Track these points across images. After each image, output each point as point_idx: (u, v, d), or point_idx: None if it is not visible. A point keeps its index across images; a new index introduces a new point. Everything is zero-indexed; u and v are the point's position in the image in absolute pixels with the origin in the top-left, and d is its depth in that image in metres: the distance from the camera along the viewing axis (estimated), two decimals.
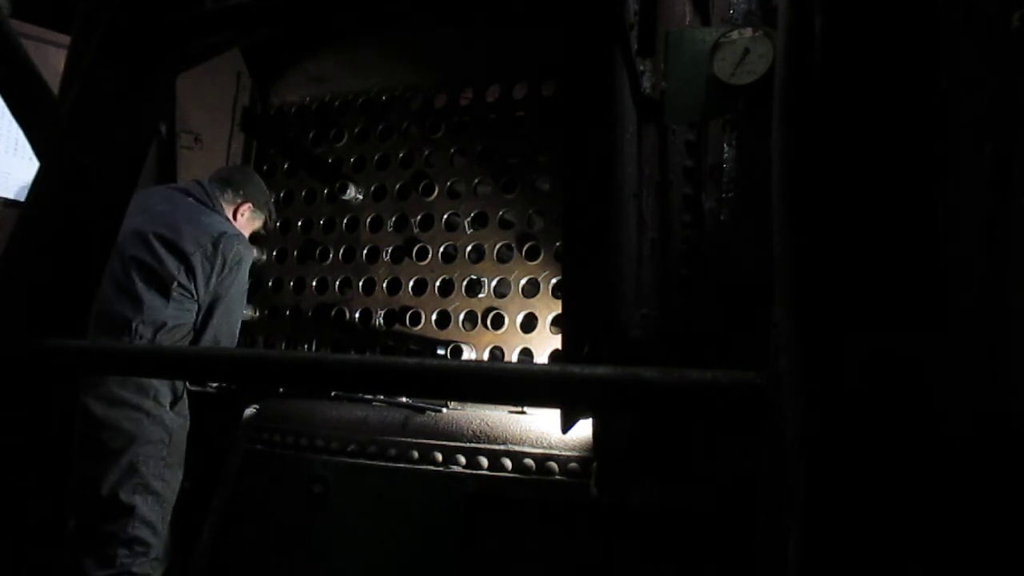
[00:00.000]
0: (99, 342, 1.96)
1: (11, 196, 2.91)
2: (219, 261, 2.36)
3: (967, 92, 0.95)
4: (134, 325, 2.24)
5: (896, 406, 0.58)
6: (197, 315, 2.37)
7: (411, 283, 2.62)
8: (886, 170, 0.61)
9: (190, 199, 2.51)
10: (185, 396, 2.36)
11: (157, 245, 2.31)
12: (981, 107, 0.94)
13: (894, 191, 0.61)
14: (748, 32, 1.58)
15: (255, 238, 2.85)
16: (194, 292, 2.34)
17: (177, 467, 2.30)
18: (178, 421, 2.31)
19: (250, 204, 2.67)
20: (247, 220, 2.68)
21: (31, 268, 0.99)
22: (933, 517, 0.56)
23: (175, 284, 2.29)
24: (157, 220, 2.36)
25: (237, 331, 2.51)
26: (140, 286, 2.27)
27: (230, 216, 2.61)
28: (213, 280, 2.36)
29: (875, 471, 0.56)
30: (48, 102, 1.20)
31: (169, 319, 2.29)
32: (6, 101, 1.22)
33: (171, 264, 2.30)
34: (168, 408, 2.27)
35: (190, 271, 2.32)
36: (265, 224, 2.79)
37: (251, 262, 2.52)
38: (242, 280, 2.47)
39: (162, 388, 2.26)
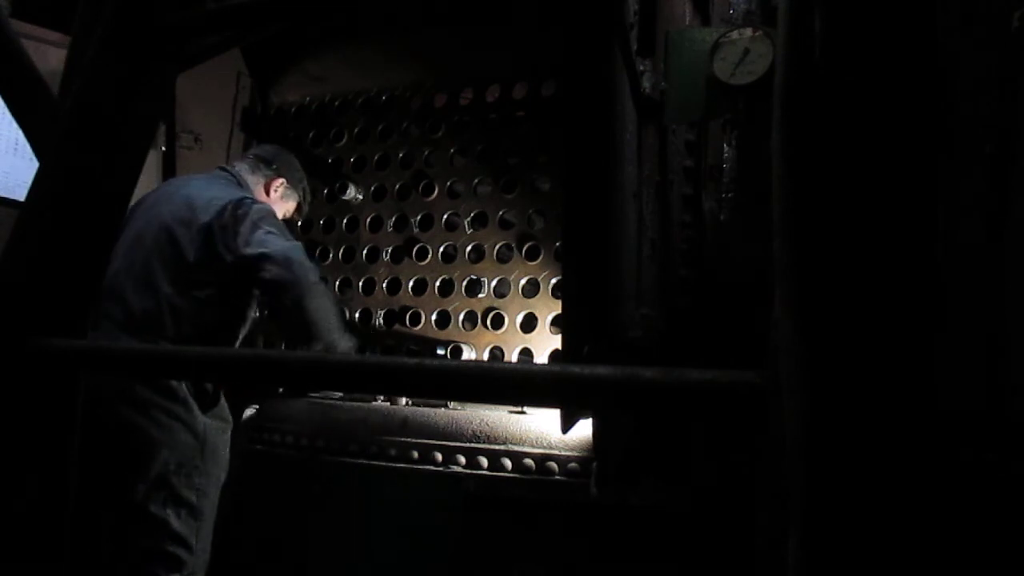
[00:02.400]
0: (99, 342, 1.95)
1: (11, 196, 2.92)
2: (233, 220, 2.16)
3: (967, 92, 0.95)
4: (165, 320, 2.13)
5: (896, 406, 0.57)
6: (236, 280, 2.18)
7: (411, 283, 2.62)
8: (886, 170, 0.61)
9: (214, 178, 2.40)
10: (223, 399, 2.24)
11: (176, 229, 2.18)
12: (981, 107, 0.94)
13: (894, 191, 0.61)
14: (748, 32, 1.58)
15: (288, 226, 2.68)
16: (222, 254, 2.15)
17: (215, 475, 2.18)
18: (214, 425, 2.18)
19: (284, 180, 2.52)
20: (280, 197, 2.51)
21: (31, 268, 0.99)
22: (934, 517, 0.56)
23: (193, 263, 2.15)
24: (177, 205, 2.23)
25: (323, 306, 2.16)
26: (162, 278, 2.14)
27: (262, 193, 2.46)
28: (238, 241, 2.15)
29: (875, 471, 0.56)
30: (48, 102, 1.20)
31: (195, 304, 2.15)
32: (6, 101, 1.22)
33: (188, 244, 2.16)
34: (201, 413, 2.15)
35: (209, 240, 2.16)
36: (299, 208, 2.63)
37: (283, 222, 2.33)
38: (280, 231, 2.21)
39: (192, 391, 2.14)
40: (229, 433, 2.26)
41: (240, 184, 2.42)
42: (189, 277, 2.16)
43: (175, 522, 2.07)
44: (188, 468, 2.11)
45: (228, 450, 2.25)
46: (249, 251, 2.13)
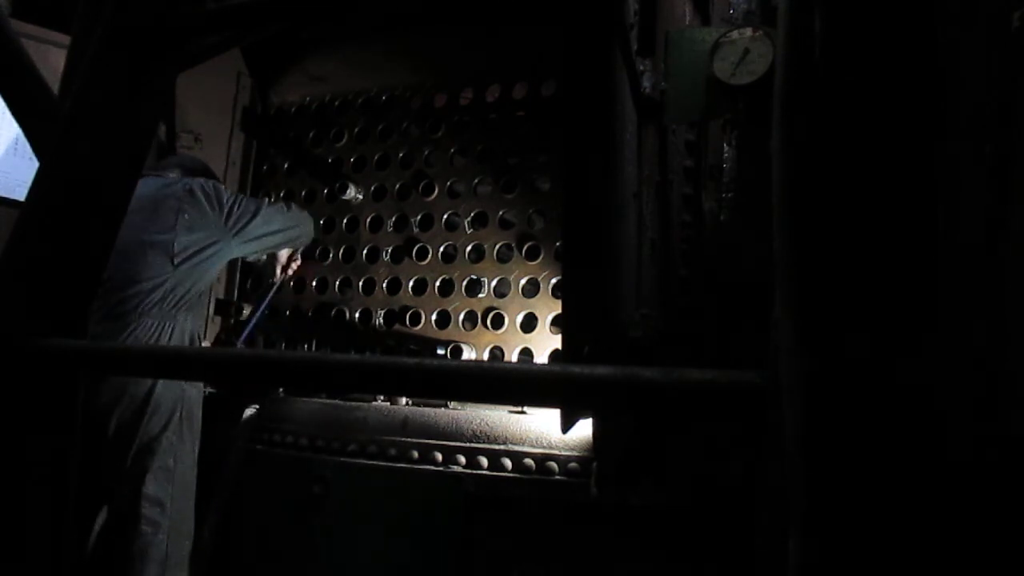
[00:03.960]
0: (99, 342, 1.95)
1: (11, 196, 2.92)
2: (202, 194, 2.39)
3: (967, 92, 0.95)
4: (137, 302, 2.23)
5: (896, 406, 0.57)
6: (218, 245, 2.40)
7: (411, 283, 2.62)
8: (886, 170, 0.61)
9: (147, 179, 2.51)
10: None
11: (148, 218, 2.31)
12: (981, 107, 0.94)
13: (894, 191, 0.61)
14: (748, 32, 1.58)
15: None
16: (206, 230, 2.36)
17: (191, 442, 2.28)
18: (190, 392, 2.29)
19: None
20: None
21: (31, 268, 0.99)
22: (934, 518, 0.56)
23: (172, 244, 2.30)
24: (132, 203, 2.36)
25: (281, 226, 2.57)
26: (137, 261, 2.26)
27: None
28: (216, 210, 2.40)
29: (875, 472, 0.56)
30: (48, 102, 1.20)
31: (173, 282, 2.30)
32: (6, 101, 1.22)
33: (162, 227, 2.31)
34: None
35: (190, 218, 2.34)
36: None
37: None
38: (230, 195, 2.51)
39: None
40: (201, 402, 2.35)
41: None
42: (168, 253, 2.30)
43: (151, 485, 2.16)
44: (168, 433, 2.20)
45: (200, 422, 2.34)
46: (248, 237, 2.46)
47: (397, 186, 2.73)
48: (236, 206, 2.44)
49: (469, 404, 2.23)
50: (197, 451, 2.30)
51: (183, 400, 2.26)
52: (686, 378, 0.65)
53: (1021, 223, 0.89)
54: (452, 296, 2.53)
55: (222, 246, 2.41)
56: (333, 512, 2.17)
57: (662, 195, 1.80)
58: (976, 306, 0.92)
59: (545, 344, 2.34)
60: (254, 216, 2.46)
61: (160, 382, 2.20)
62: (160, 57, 1.08)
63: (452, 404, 2.26)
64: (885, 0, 0.64)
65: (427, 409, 2.24)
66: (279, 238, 2.59)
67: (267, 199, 2.70)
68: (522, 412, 2.13)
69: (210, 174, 2.70)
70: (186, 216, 2.34)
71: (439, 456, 2.12)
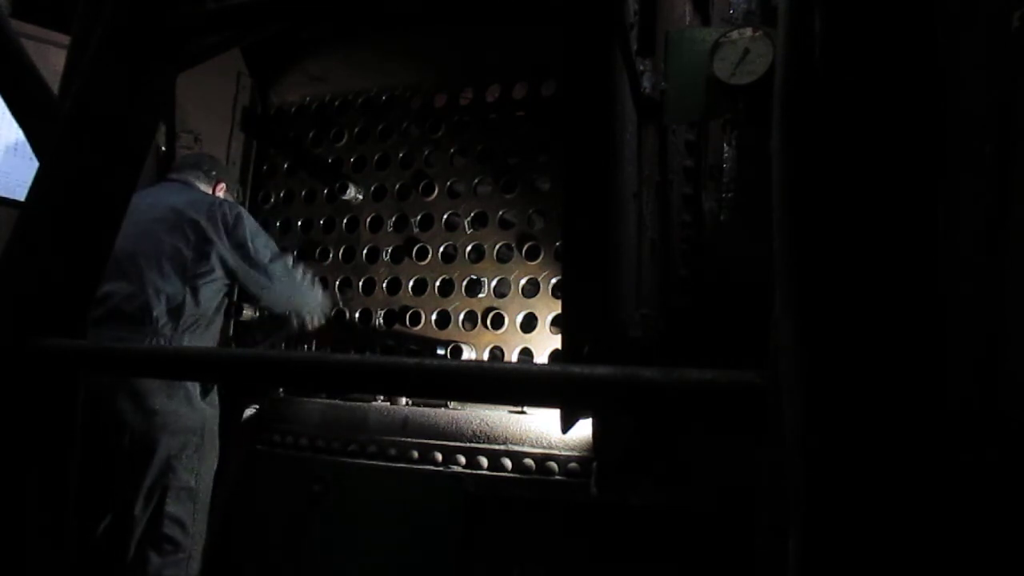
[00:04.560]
0: (99, 342, 1.95)
1: (11, 196, 2.92)
2: (220, 220, 2.39)
3: (967, 92, 0.95)
4: (155, 315, 2.23)
5: (896, 407, 0.57)
6: (225, 272, 2.39)
7: (411, 283, 2.62)
8: (886, 170, 0.61)
9: (174, 185, 2.56)
10: (215, 387, 2.35)
11: (165, 227, 2.33)
12: (981, 107, 0.94)
13: (894, 191, 0.61)
14: (748, 32, 1.58)
15: None
16: (214, 252, 2.35)
17: (212, 459, 2.28)
18: (210, 411, 2.30)
19: (224, 183, 2.71)
20: (223, 196, 2.73)
21: (31, 268, 0.99)
22: (934, 516, 0.56)
23: (191, 260, 2.31)
24: (158, 211, 2.38)
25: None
26: (157, 273, 2.27)
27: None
28: (226, 239, 2.39)
29: (875, 472, 0.56)
30: (48, 102, 1.20)
31: (190, 298, 2.30)
32: (6, 101, 1.22)
33: (184, 241, 2.32)
34: (201, 397, 2.26)
35: (203, 238, 2.34)
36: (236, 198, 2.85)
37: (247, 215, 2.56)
38: (253, 226, 2.48)
39: None
40: (218, 419, 2.35)
41: (191, 187, 2.58)
42: (184, 268, 2.31)
43: (173, 505, 2.15)
44: (189, 451, 2.19)
45: (218, 438, 2.33)
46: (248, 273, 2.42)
47: (397, 186, 2.73)
48: (247, 247, 2.41)
49: (469, 404, 2.23)
50: (216, 465, 2.30)
51: (205, 419, 2.25)
52: (686, 378, 0.65)
53: (1021, 223, 0.89)
54: (452, 296, 2.53)
55: (229, 272, 2.42)
56: (333, 512, 2.17)
57: (662, 195, 1.81)
58: (976, 306, 0.92)
59: (545, 344, 2.34)
60: (257, 266, 2.43)
61: (181, 397, 2.19)
62: (160, 57, 1.08)
63: (452, 404, 2.26)
64: (885, 0, 0.64)
65: (427, 409, 2.24)
66: (266, 298, 2.53)
67: (291, 258, 2.64)
68: (522, 412, 2.13)
69: (227, 176, 2.75)
70: (205, 235, 2.34)
71: (439, 456, 2.12)
